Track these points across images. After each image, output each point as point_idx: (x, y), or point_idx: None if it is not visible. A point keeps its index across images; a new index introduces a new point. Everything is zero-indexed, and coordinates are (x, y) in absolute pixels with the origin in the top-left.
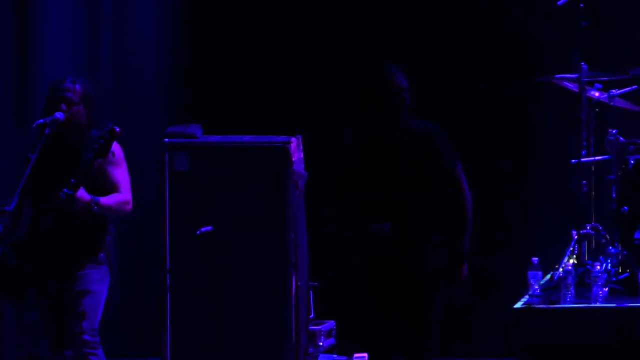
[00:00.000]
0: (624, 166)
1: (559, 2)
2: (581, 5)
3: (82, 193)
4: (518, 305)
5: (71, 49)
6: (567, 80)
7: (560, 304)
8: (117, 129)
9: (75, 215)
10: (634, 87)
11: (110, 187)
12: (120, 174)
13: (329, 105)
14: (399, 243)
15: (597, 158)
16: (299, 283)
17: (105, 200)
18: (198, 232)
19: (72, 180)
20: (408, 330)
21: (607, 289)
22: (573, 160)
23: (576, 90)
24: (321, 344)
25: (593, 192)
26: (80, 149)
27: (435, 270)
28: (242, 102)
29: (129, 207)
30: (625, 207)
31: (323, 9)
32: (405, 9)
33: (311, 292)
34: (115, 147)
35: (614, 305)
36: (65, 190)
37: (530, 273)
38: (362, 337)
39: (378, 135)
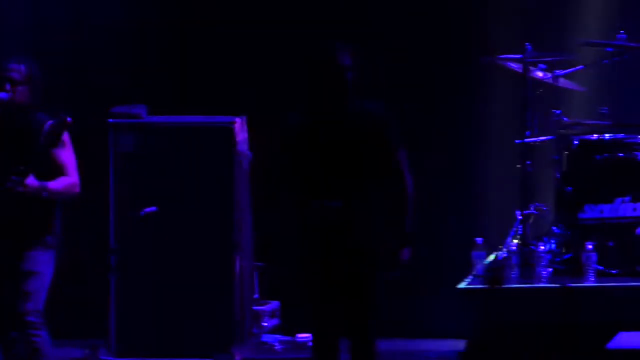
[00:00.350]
0: (567, 146)
1: None
2: None
3: (31, 180)
4: (462, 285)
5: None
6: (511, 61)
7: (504, 284)
8: (69, 120)
9: (24, 200)
10: (578, 67)
11: (57, 170)
12: (67, 156)
13: (274, 87)
14: (344, 223)
15: (541, 138)
16: (243, 263)
17: (54, 184)
18: (142, 212)
19: (21, 167)
20: (353, 311)
21: (550, 269)
22: (517, 141)
23: (520, 70)
24: (265, 324)
25: (537, 173)
26: (27, 132)
27: (378, 251)
28: (187, 83)
29: (77, 189)
30: (569, 188)
31: None
32: None
33: (255, 272)
34: None
35: (558, 285)
36: (13, 177)
37: (474, 253)
38: (307, 318)
39: (324, 114)
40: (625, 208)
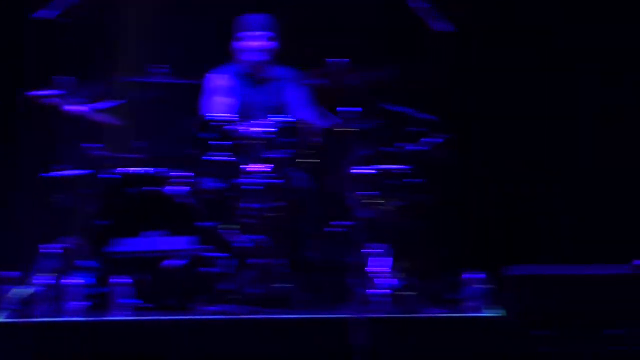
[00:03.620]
0: (101, 180)
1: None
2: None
3: None
4: None
5: None
6: (48, 97)
7: (36, 318)
8: None
9: None
10: (115, 101)
11: None
12: None
13: None
14: None
15: (74, 172)
16: None
17: None
18: None
19: None
20: None
21: (82, 303)
22: (52, 173)
23: (56, 104)
24: None
25: (70, 206)
26: None
27: None
28: None
29: None
30: (101, 221)
31: None
32: None
33: None
34: None
35: (92, 319)
36: None
37: (4, 287)
38: None
39: None
40: (155, 241)
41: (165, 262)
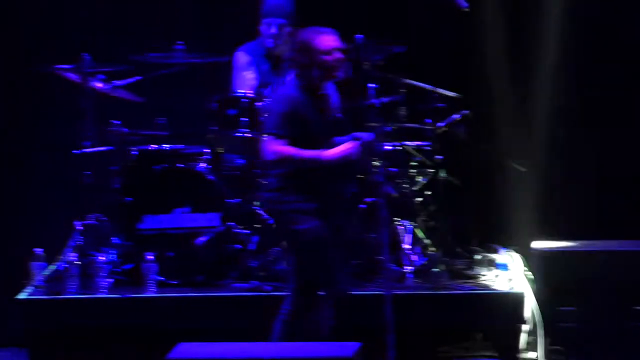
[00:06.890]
0: (126, 157)
1: None
2: None
3: None
4: (22, 296)
5: None
6: (69, 71)
7: (64, 295)
8: None
9: None
10: (136, 77)
11: None
12: None
13: None
14: None
15: (100, 149)
16: None
17: None
18: None
19: None
20: None
21: (111, 280)
22: (76, 151)
23: (78, 80)
24: None
25: (97, 183)
26: None
27: None
28: None
29: None
30: (128, 198)
31: None
32: None
33: None
34: None
35: (118, 295)
36: None
37: (33, 264)
38: None
39: None
40: (184, 218)
41: (193, 239)
